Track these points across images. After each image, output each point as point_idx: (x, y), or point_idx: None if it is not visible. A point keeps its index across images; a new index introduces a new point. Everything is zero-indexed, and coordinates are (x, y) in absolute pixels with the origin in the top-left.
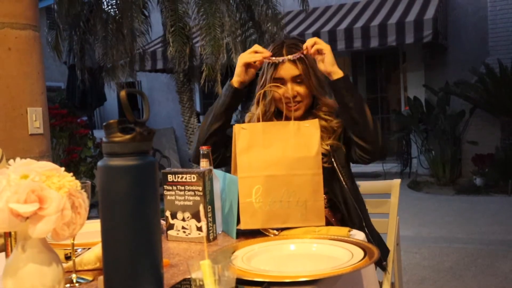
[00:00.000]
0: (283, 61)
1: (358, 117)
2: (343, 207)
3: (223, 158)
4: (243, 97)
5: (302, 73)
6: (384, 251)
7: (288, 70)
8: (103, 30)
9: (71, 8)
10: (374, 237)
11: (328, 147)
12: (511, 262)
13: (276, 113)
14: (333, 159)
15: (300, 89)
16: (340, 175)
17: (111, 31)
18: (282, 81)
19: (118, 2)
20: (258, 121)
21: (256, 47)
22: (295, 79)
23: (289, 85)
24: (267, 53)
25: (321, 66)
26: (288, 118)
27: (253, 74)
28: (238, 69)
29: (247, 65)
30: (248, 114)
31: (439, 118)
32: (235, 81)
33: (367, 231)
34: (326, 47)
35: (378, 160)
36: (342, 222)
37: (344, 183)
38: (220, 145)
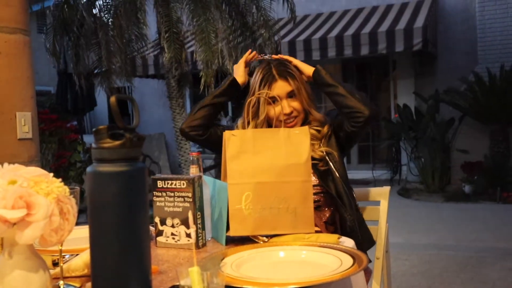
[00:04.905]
0: (273, 72)
1: (344, 91)
2: (338, 201)
3: (212, 135)
4: (238, 89)
5: (295, 88)
6: (370, 240)
7: (282, 87)
8: (96, 35)
9: (64, 13)
10: (363, 232)
11: (322, 153)
12: (499, 270)
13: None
14: (328, 159)
15: (295, 104)
16: (336, 172)
17: (105, 36)
18: (276, 99)
19: (110, 7)
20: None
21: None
22: (289, 95)
23: (284, 102)
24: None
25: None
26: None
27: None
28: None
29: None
30: (240, 120)
31: (429, 126)
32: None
33: (357, 216)
34: (293, 59)
35: (371, 119)
36: (332, 219)
37: (338, 178)
38: (210, 118)
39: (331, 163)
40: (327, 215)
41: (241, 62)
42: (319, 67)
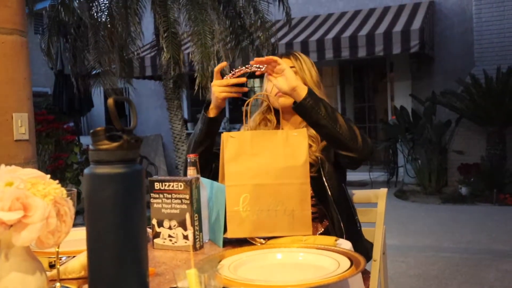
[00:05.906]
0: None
1: (333, 131)
2: (329, 218)
3: (214, 170)
4: (220, 123)
5: (296, 66)
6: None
7: (284, 62)
8: (94, 36)
9: (60, 14)
10: (359, 248)
11: (316, 158)
12: (496, 271)
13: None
14: (321, 169)
15: None
16: (327, 187)
17: (103, 37)
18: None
19: (105, 8)
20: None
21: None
22: None
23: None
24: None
25: (284, 85)
26: (278, 122)
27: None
28: (217, 100)
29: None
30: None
31: (426, 128)
32: (211, 111)
33: (350, 233)
34: (286, 66)
35: (366, 160)
36: (326, 233)
37: (330, 194)
38: (208, 164)
39: (322, 171)
40: (323, 229)
41: (215, 75)
42: (311, 91)
